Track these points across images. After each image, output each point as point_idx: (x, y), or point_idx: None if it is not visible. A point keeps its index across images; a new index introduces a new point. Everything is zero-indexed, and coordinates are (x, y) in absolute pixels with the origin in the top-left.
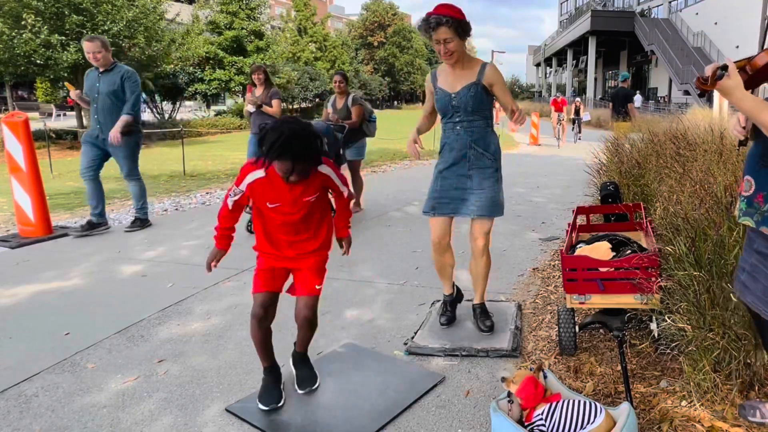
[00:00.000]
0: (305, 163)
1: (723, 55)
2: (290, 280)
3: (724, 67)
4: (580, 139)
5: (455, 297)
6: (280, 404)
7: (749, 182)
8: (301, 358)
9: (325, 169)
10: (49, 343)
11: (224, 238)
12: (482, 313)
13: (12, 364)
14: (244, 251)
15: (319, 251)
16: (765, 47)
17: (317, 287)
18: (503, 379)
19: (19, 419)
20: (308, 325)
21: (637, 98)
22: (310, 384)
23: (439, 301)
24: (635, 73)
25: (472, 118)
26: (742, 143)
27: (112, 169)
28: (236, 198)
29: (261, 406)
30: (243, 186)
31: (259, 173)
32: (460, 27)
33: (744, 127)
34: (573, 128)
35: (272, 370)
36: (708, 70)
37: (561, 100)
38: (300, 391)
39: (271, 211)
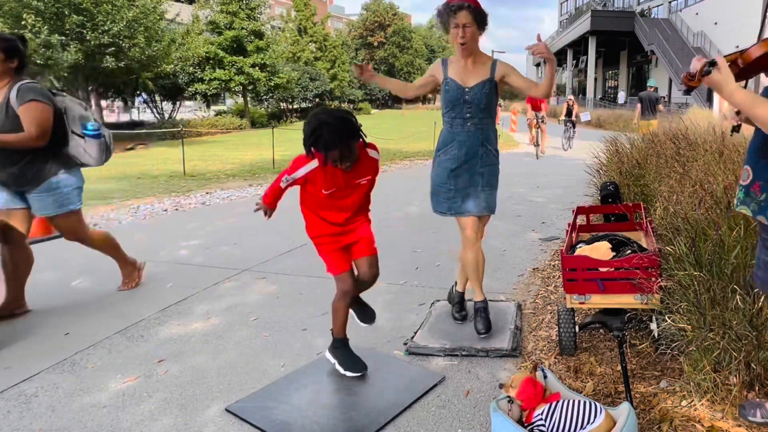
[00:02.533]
0: (339, 148)
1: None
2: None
3: (713, 63)
4: (572, 138)
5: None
6: (367, 370)
7: (747, 171)
8: (358, 299)
9: (373, 153)
10: (49, 343)
11: (274, 204)
12: (485, 311)
13: (12, 364)
14: (244, 252)
15: (368, 220)
16: (759, 40)
17: (374, 246)
18: (501, 386)
19: (19, 419)
20: (374, 280)
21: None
22: (371, 320)
23: (439, 300)
24: (635, 73)
25: (483, 115)
26: (735, 129)
27: (112, 168)
28: (289, 183)
29: (352, 374)
30: (298, 174)
31: (313, 164)
32: (480, 15)
33: (738, 112)
34: (565, 131)
35: (347, 341)
36: (695, 66)
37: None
38: (364, 324)
39: (326, 197)
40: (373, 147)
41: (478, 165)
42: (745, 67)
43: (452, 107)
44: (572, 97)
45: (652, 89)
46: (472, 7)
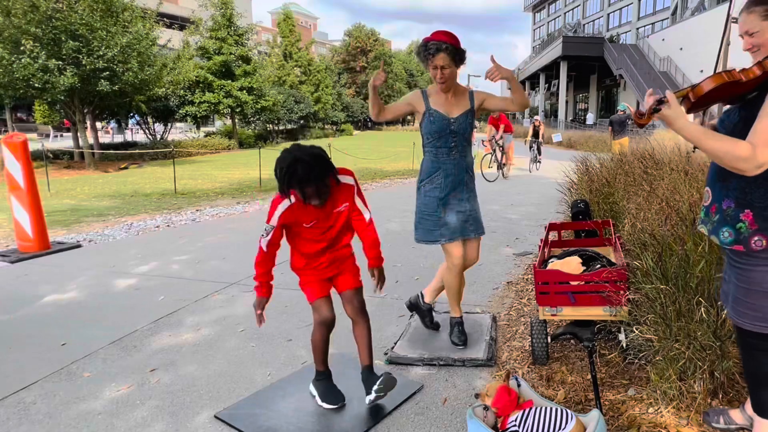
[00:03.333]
0: (314, 185)
1: (688, 78)
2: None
3: (661, 101)
4: (539, 164)
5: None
6: (345, 401)
7: (708, 193)
8: (368, 370)
9: (346, 179)
10: (46, 353)
11: (264, 286)
12: (461, 326)
13: (11, 373)
14: (232, 266)
15: (352, 256)
16: (711, 74)
17: (359, 279)
18: (477, 395)
19: (18, 426)
20: (359, 315)
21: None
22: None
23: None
24: (605, 95)
25: (465, 144)
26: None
27: (107, 186)
28: (269, 238)
29: (328, 405)
30: (274, 220)
31: (287, 202)
32: (457, 54)
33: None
34: (532, 151)
35: (327, 374)
36: (646, 103)
37: (499, 115)
38: (371, 397)
39: (309, 230)
40: (346, 172)
41: (464, 191)
42: (697, 101)
43: (438, 137)
44: (539, 117)
45: (622, 113)
46: (450, 48)
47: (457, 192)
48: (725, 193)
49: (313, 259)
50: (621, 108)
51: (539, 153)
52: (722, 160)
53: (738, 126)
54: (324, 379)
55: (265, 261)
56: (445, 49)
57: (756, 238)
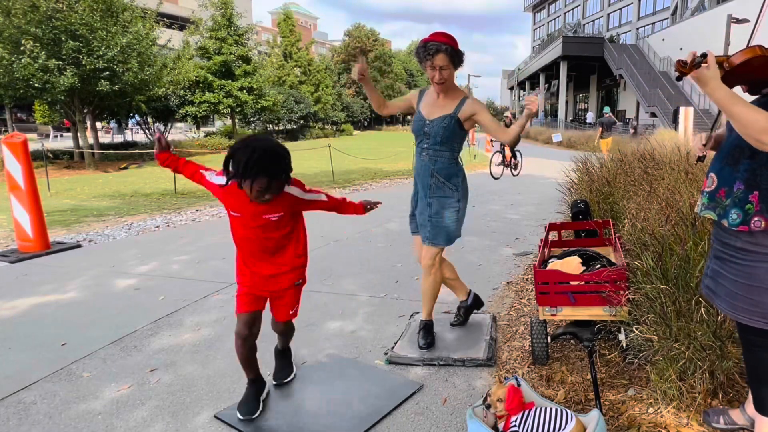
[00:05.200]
0: (279, 180)
1: (688, 78)
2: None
3: (704, 55)
4: (515, 168)
5: (433, 321)
6: (255, 416)
7: (712, 179)
8: (280, 353)
9: (291, 189)
10: (46, 353)
11: (168, 160)
12: (423, 330)
13: (11, 374)
14: (232, 266)
15: (294, 286)
16: (744, 47)
17: (290, 312)
18: (488, 407)
19: (18, 426)
20: (284, 337)
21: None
22: (282, 377)
23: (417, 313)
24: (605, 95)
25: (439, 148)
26: (700, 159)
27: (107, 186)
28: (204, 177)
29: (238, 415)
30: (213, 178)
31: (221, 179)
32: (456, 56)
33: (704, 145)
34: (500, 153)
35: (255, 382)
36: (689, 56)
37: None
38: (273, 382)
39: (234, 220)
40: (296, 184)
41: (428, 195)
42: (730, 71)
43: (416, 137)
44: (509, 114)
45: (607, 115)
46: (449, 50)
47: (423, 193)
48: (736, 176)
49: (250, 275)
50: (606, 111)
51: (514, 155)
52: (747, 128)
53: None
54: (249, 387)
55: (188, 164)
56: (444, 50)
57: (756, 219)
